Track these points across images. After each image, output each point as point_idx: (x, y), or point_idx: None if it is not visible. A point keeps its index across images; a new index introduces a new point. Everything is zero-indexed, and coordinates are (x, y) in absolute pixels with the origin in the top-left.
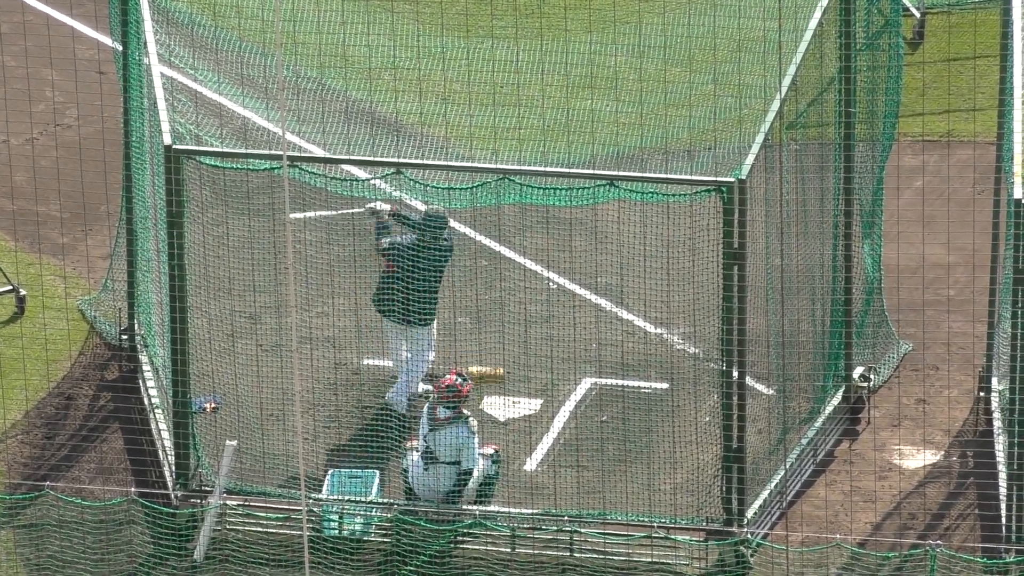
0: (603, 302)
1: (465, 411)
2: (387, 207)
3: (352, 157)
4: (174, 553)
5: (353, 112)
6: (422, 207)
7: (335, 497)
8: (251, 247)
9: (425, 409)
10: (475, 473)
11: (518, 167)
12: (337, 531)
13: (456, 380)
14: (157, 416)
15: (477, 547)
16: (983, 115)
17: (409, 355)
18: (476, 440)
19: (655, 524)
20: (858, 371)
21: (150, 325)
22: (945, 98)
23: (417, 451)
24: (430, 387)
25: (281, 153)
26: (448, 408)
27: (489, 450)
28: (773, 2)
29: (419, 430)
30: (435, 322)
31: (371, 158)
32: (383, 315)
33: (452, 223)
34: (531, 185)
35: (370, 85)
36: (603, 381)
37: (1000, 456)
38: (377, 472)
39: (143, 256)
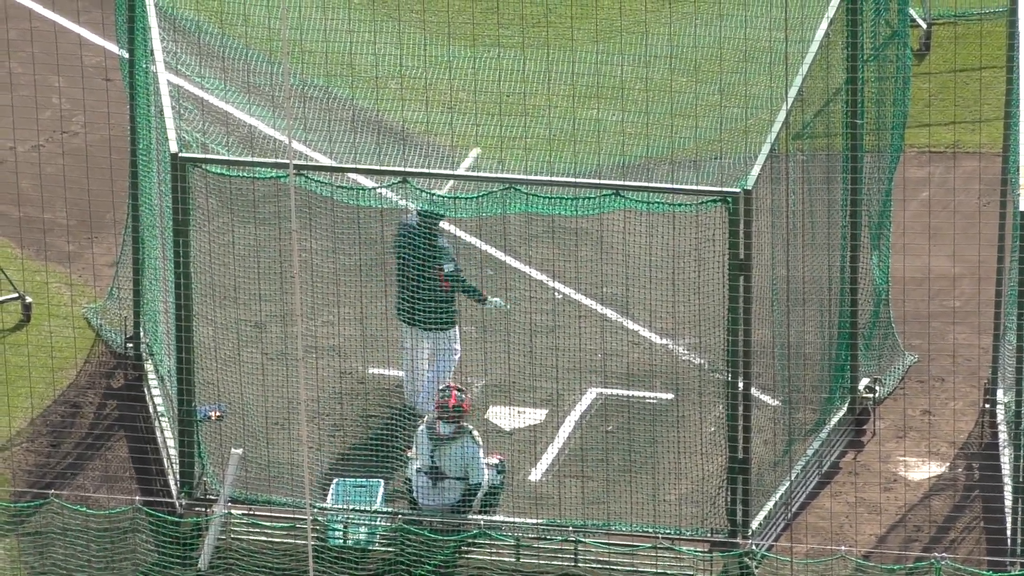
0: (609, 312)
1: (466, 424)
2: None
3: (358, 166)
4: (178, 562)
5: (359, 121)
6: (413, 207)
7: (340, 506)
8: (257, 255)
9: (424, 426)
10: (483, 486)
11: (524, 176)
12: (341, 540)
13: (458, 397)
14: (162, 424)
15: (481, 557)
16: (989, 126)
17: (429, 362)
18: (482, 453)
19: (660, 535)
20: (864, 382)
21: (156, 333)
22: (951, 109)
23: (422, 470)
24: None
25: (288, 161)
26: (450, 424)
27: (494, 460)
28: (779, 12)
29: (418, 444)
30: (455, 327)
31: (377, 167)
32: (407, 323)
33: (446, 225)
34: (537, 195)
35: (376, 94)
36: (608, 391)
37: (1006, 468)
38: (382, 481)
39: (149, 264)
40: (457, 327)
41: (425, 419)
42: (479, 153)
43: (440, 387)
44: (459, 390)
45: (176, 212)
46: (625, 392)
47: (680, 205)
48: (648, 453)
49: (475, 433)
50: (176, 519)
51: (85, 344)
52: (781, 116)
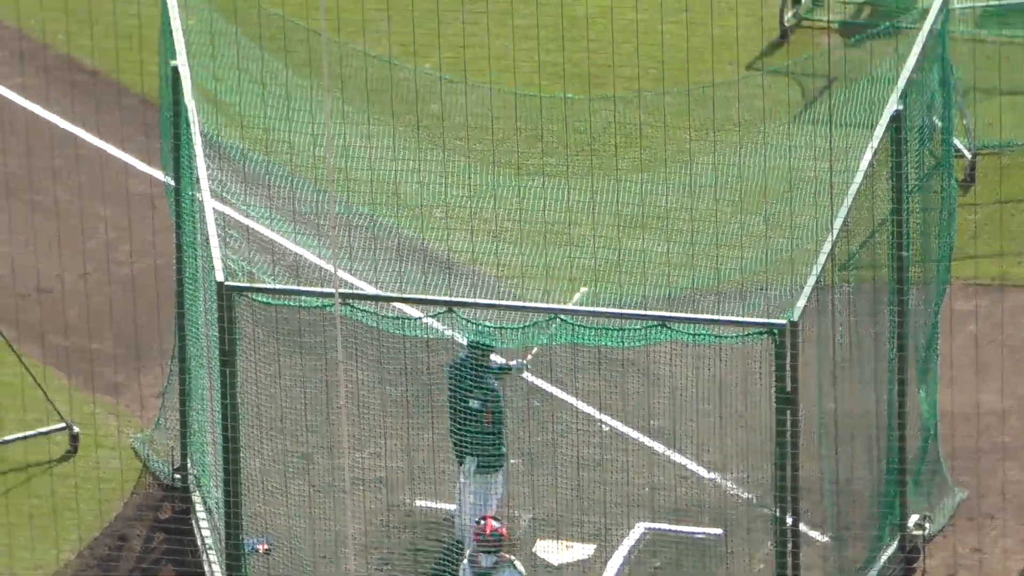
0: (656, 445)
1: (507, 555)
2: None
3: (404, 295)
4: None
5: (405, 249)
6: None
7: None
8: (303, 385)
9: (466, 560)
10: None
11: (570, 307)
12: None
13: (495, 525)
14: (210, 557)
15: None
16: None
17: (477, 501)
18: None
19: None
20: (913, 519)
21: (203, 464)
22: (997, 241)
23: None
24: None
25: (333, 291)
26: (491, 554)
27: None
28: (824, 142)
29: None
30: (502, 469)
31: (423, 296)
32: (457, 457)
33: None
34: (583, 325)
35: (422, 222)
36: (656, 526)
37: None
38: None
39: (196, 394)
40: (504, 468)
41: (467, 553)
42: (586, 291)
43: (476, 518)
44: (495, 519)
45: (222, 342)
46: (673, 527)
47: (726, 337)
48: None
49: (517, 563)
50: None
51: (132, 475)
52: (827, 247)
